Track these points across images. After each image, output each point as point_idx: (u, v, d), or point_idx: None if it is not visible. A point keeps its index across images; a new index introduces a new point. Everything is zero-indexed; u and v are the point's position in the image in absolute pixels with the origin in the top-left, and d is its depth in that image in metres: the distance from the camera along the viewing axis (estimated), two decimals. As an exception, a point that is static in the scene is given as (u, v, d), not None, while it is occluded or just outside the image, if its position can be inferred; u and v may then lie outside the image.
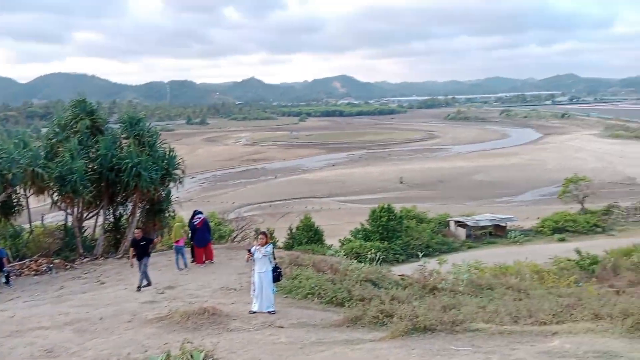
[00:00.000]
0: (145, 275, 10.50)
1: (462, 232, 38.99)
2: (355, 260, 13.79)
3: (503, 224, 39.54)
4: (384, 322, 6.52)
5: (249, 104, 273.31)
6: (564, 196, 43.30)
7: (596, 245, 31.33)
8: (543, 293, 9.56)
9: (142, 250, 10.56)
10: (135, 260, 10.44)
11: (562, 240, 35.79)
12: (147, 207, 15.28)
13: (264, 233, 8.77)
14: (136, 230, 11.75)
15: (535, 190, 57.64)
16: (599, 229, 38.39)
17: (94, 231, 16.00)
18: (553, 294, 9.88)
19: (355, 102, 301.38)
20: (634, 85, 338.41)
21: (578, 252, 26.16)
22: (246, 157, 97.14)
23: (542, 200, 52.46)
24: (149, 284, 10.47)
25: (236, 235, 25.69)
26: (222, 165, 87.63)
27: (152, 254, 11.40)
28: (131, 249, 10.84)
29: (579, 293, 10.31)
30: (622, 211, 41.87)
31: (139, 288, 10.27)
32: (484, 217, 40.13)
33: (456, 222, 40.10)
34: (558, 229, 37.93)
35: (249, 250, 8.35)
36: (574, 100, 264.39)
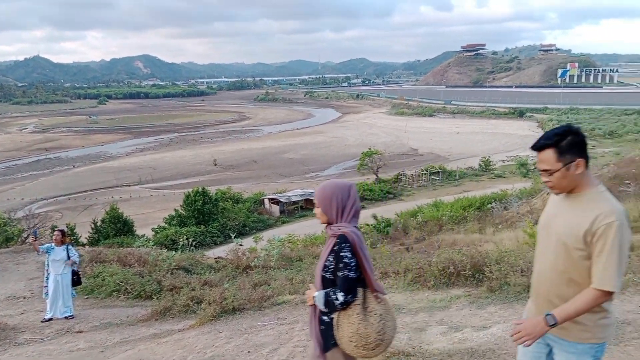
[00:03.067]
0: None
1: (276, 209, 40.37)
2: (167, 249, 13.19)
3: (312, 198, 42.00)
4: (194, 309, 6.35)
5: (34, 85, 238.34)
6: (361, 168, 47.89)
7: (390, 210, 35.55)
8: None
9: None
10: None
11: (362, 207, 39.54)
12: None
13: (60, 231, 7.76)
14: None
15: (338, 165, 62.50)
16: (391, 195, 43.45)
17: None
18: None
19: (161, 83, 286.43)
20: (413, 68, 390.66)
21: (375, 217, 29.21)
22: (35, 146, 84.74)
23: (344, 173, 57.16)
24: None
25: (27, 236, 22.38)
26: (5, 157, 75.11)
27: None
28: None
29: (374, 254, 11.38)
30: (409, 178, 48.18)
31: None
32: (295, 192, 42.16)
33: (270, 199, 41.33)
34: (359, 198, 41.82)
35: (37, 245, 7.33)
36: (366, 82, 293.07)
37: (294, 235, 21.65)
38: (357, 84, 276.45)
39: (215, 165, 63.63)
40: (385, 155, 50.49)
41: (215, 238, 31.98)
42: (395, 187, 45.84)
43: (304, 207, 41.31)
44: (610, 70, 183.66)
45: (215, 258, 13.29)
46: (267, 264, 10.31)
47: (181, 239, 12.77)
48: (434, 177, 48.32)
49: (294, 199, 40.74)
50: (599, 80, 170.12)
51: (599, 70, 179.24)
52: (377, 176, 47.24)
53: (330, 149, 73.26)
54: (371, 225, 28.10)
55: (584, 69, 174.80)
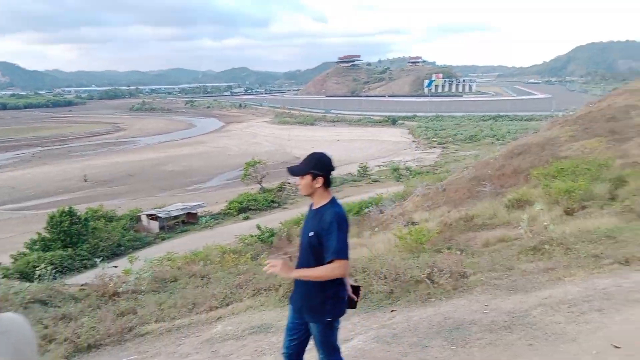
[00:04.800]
0: None
1: (155, 225, 38.35)
2: (22, 279, 11.77)
3: (194, 211, 40.71)
4: (45, 349, 5.68)
5: None
6: (245, 179, 47.48)
7: (274, 219, 35.64)
8: (223, 275, 10.08)
9: None
10: None
11: (247, 218, 39.18)
12: None
13: None
14: None
15: (221, 176, 61.32)
16: (276, 204, 43.66)
17: None
18: (232, 274, 10.50)
19: (22, 92, 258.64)
20: (294, 78, 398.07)
21: (258, 227, 29.07)
22: None
23: (228, 184, 56.26)
24: None
25: None
26: None
27: None
28: None
29: (255, 268, 11.22)
30: (292, 187, 48.76)
31: None
32: (176, 206, 40.45)
33: (148, 215, 39.16)
34: (243, 208, 41.36)
35: None
36: (249, 91, 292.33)
37: (174, 252, 20.67)
38: (239, 93, 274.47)
39: (86, 181, 58.76)
40: (268, 165, 50.66)
41: (85, 261, 29.39)
42: (280, 195, 46.14)
43: (186, 221, 39.82)
44: (470, 80, 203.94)
45: (80, 286, 12.17)
46: (138, 288, 9.63)
47: (37, 269, 11.45)
48: (317, 185, 49.47)
49: (174, 213, 39.05)
50: (460, 90, 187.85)
51: (459, 80, 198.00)
52: (261, 186, 47.17)
53: (213, 160, 71.65)
54: (255, 235, 27.94)
55: (447, 79, 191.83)
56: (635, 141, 19.72)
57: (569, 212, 13.01)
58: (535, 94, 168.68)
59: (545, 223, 10.22)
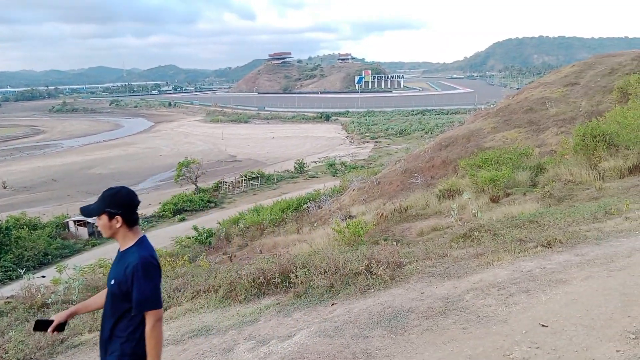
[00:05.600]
0: None
1: (84, 231, 36.40)
2: None
3: (126, 215, 39.09)
4: (-36, 372, 5.26)
5: None
6: (179, 179, 46.14)
7: (212, 219, 34.98)
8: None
9: None
10: None
11: (182, 220, 38.12)
12: None
13: None
14: None
15: (154, 177, 59.23)
16: (212, 204, 42.80)
17: None
18: (170, 277, 10.23)
19: None
20: (225, 75, 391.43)
21: (195, 228, 28.42)
22: None
23: (161, 185, 54.43)
24: None
25: None
26: None
27: None
28: None
29: (193, 270, 11.01)
30: (229, 185, 48.05)
31: None
32: (106, 211, 38.66)
33: (76, 221, 37.09)
34: (178, 210, 40.19)
35: None
36: (178, 89, 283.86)
37: (106, 259, 19.74)
38: (168, 92, 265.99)
39: (5, 188, 54.67)
40: (203, 164, 49.59)
41: (9, 273, 27.47)
42: (216, 195, 45.32)
43: (117, 226, 38.15)
44: (398, 76, 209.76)
45: (6, 299, 11.37)
46: (69, 298, 9.15)
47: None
48: (254, 182, 49.07)
49: (104, 218, 37.25)
50: (389, 86, 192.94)
51: (388, 76, 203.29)
52: (196, 186, 46.06)
53: (143, 161, 69.02)
54: (192, 237, 27.29)
55: (376, 76, 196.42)
56: (551, 131, 21.17)
57: (494, 200, 13.77)
58: (459, 89, 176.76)
59: (473, 211, 10.76)
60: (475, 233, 7.73)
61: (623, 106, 17.72)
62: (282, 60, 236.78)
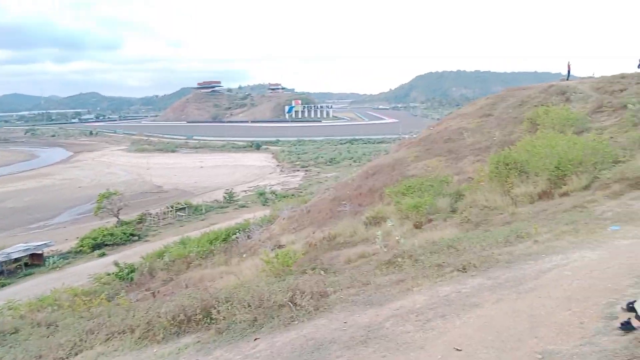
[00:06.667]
0: None
1: (-10, 272, 33.39)
2: None
3: (39, 252, 36.40)
4: None
5: None
6: (99, 212, 43.81)
7: (135, 253, 33.39)
8: (73, 320, 9.11)
9: None
10: None
11: (102, 255, 36.09)
12: None
13: None
14: None
15: (72, 210, 55.86)
16: (136, 237, 40.90)
17: None
18: (85, 318, 9.56)
19: None
20: (151, 103, 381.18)
21: (116, 264, 26.98)
22: None
23: (79, 219, 51.38)
24: None
25: None
26: None
27: None
28: None
29: (110, 309, 10.34)
30: (154, 217, 46.25)
31: None
32: (17, 247, 35.77)
33: (-18, 261, 33.98)
34: (98, 245, 38.03)
35: None
36: (101, 117, 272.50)
37: (15, 300, 18.15)
38: (89, 120, 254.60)
39: None
40: (126, 195, 47.62)
41: None
42: (140, 227, 43.49)
43: (30, 263, 35.37)
44: (327, 106, 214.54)
45: None
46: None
47: None
48: (181, 214, 47.61)
49: (15, 255, 34.51)
50: (319, 115, 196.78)
51: (317, 106, 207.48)
52: (118, 218, 43.93)
53: (61, 193, 65.02)
54: (113, 273, 25.86)
55: (306, 106, 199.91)
56: (468, 159, 22.42)
57: (417, 226, 14.25)
58: (385, 119, 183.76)
59: (397, 237, 11.05)
60: (399, 259, 7.92)
61: (532, 136, 19.14)
62: (212, 89, 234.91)
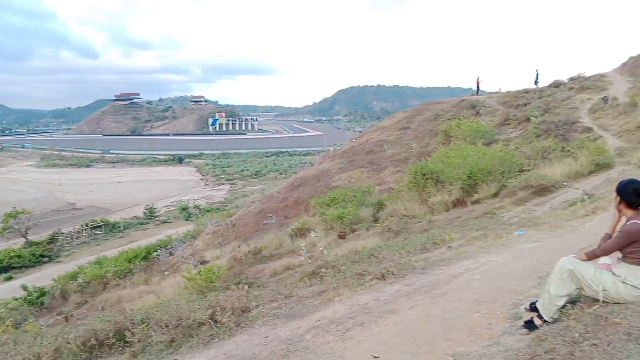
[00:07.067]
0: None
1: None
2: None
3: None
4: None
5: None
6: (4, 232, 40.43)
7: (45, 276, 31.02)
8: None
9: None
10: None
11: (9, 279, 33.29)
12: None
13: None
14: None
15: (-29, 232, 50.98)
16: (47, 259, 38.10)
17: None
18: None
19: None
20: (63, 116, 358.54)
21: (24, 287, 24.94)
22: None
23: (-20, 241, 47.06)
24: None
25: None
26: None
27: None
28: None
29: (17, 337, 9.55)
30: (67, 236, 43.36)
31: None
32: None
33: None
34: (4, 268, 35.05)
35: None
36: (6, 132, 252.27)
37: None
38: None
39: None
40: (35, 214, 44.34)
41: None
42: (51, 248, 40.62)
43: None
44: (252, 119, 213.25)
45: None
46: None
47: None
48: (97, 232, 45.03)
49: None
50: (243, 128, 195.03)
51: (242, 119, 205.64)
52: (26, 239, 40.76)
53: (-43, 214, 59.15)
54: (20, 298, 23.86)
55: (231, 118, 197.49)
56: (389, 170, 23.22)
57: (342, 236, 14.50)
58: (309, 132, 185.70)
59: (321, 248, 11.17)
60: (322, 270, 8.00)
61: (446, 147, 20.21)
62: (130, 101, 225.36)
